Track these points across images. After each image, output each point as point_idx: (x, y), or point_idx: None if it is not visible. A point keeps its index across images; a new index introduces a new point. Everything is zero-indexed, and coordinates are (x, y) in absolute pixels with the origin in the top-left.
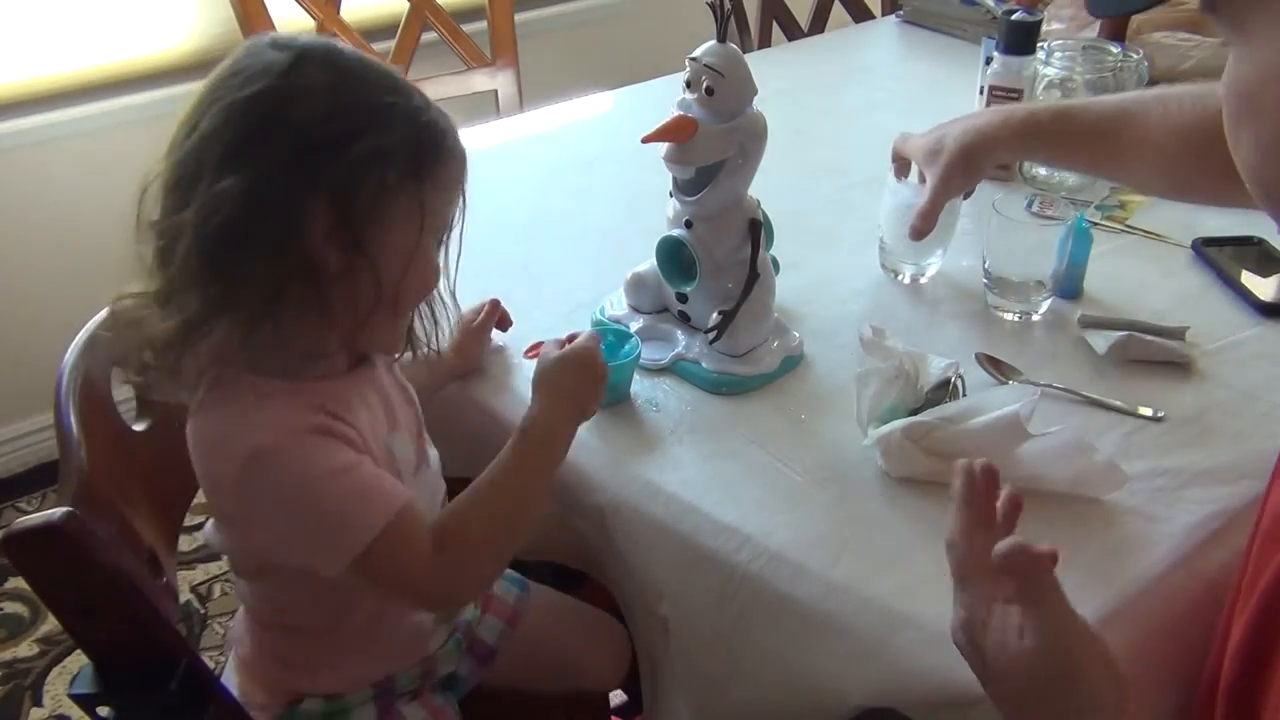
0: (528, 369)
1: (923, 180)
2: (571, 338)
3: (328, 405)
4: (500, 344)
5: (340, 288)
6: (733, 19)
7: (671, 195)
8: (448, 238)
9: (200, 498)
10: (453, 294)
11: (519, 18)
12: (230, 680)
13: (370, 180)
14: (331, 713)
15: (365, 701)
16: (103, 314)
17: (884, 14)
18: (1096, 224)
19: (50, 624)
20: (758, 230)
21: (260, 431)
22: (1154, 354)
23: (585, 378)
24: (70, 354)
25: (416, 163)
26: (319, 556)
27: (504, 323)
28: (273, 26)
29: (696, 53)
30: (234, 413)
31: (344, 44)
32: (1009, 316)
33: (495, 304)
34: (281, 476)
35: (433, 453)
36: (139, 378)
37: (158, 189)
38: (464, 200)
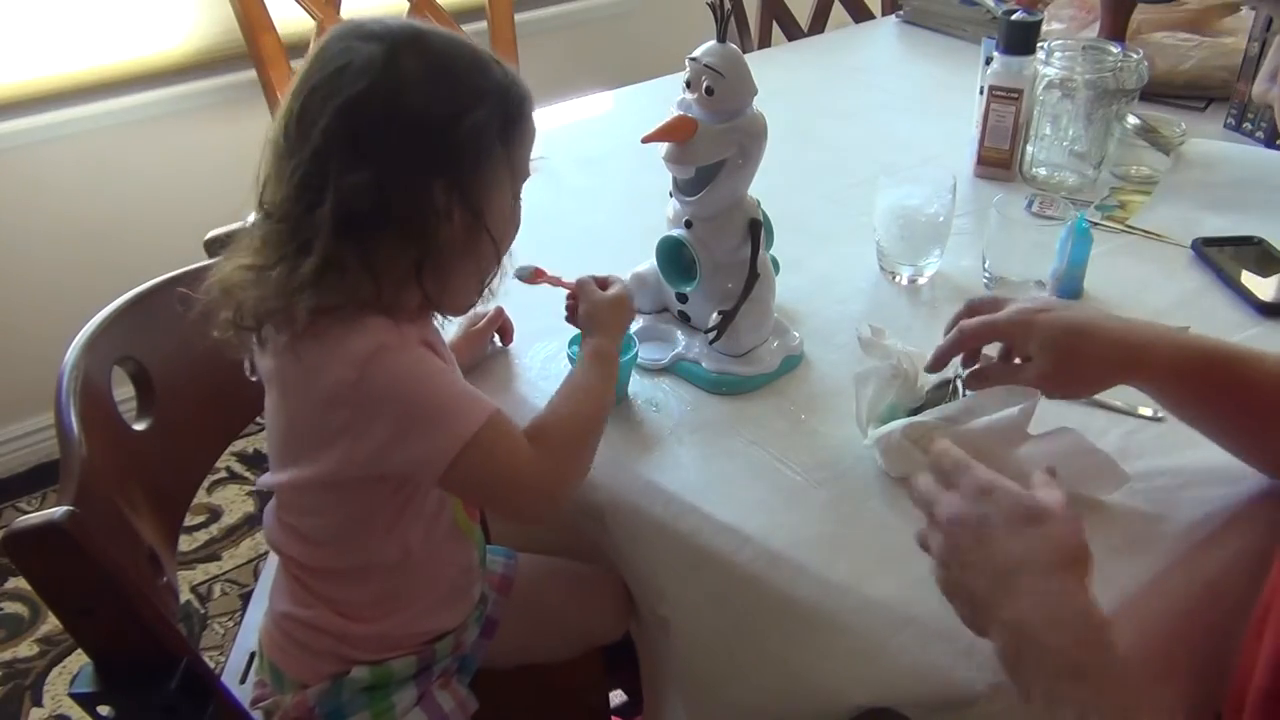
0: (527, 369)
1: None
2: (603, 282)
3: (425, 337)
4: (498, 345)
5: (464, 254)
6: (733, 19)
7: (671, 195)
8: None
9: (201, 497)
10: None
11: (519, 18)
12: (232, 681)
13: (479, 154)
14: (376, 685)
15: (409, 678)
16: (104, 313)
17: (884, 14)
18: (1096, 224)
19: (50, 624)
20: (758, 230)
21: (380, 334)
22: None
23: (623, 315)
24: (70, 354)
25: (506, 130)
26: (429, 447)
27: (506, 335)
28: (273, 26)
29: (696, 53)
30: (348, 330)
31: (425, 23)
32: None
33: (500, 312)
34: (400, 369)
35: None
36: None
37: (274, 178)
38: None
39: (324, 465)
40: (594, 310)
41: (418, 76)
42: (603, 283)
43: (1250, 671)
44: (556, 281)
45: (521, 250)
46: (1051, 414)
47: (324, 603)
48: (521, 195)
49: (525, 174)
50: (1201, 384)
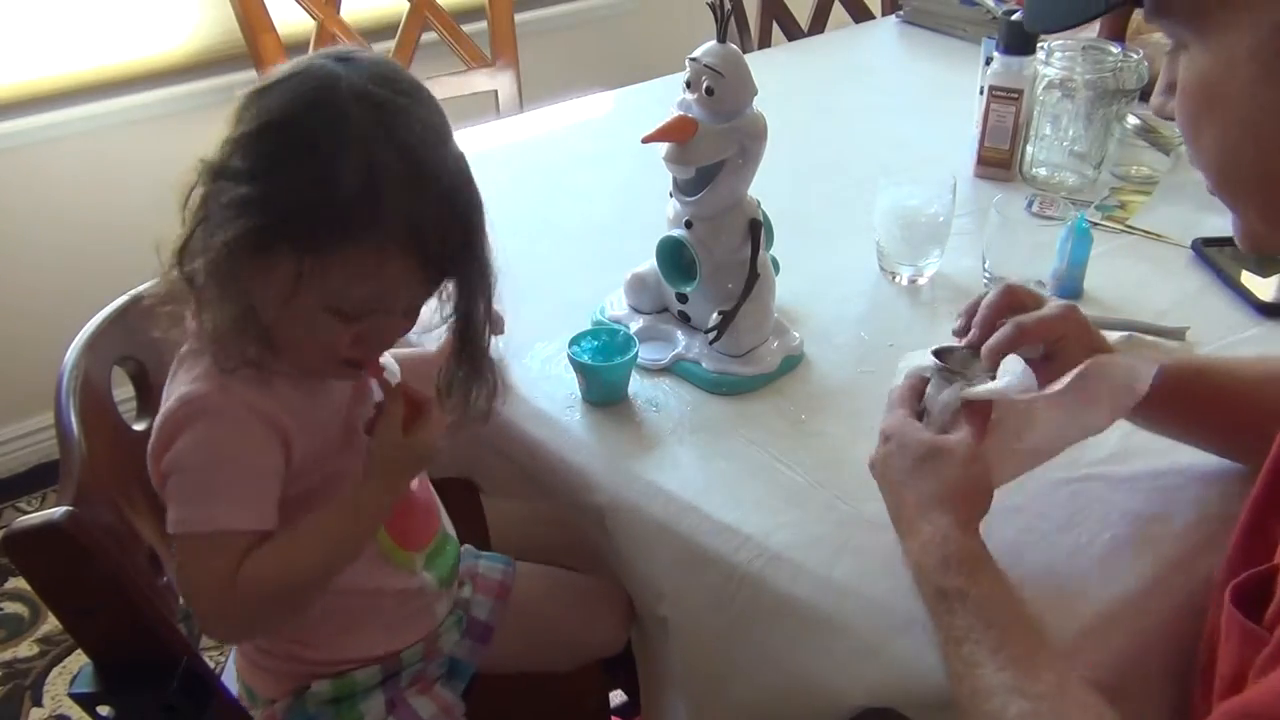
0: (527, 369)
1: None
2: (412, 397)
3: (258, 402)
4: (497, 347)
5: (283, 321)
6: (733, 19)
7: (671, 195)
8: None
9: None
10: None
11: (519, 18)
12: (231, 680)
13: (239, 222)
14: (340, 696)
15: (374, 687)
16: (104, 313)
17: (884, 14)
18: (1096, 224)
19: (50, 624)
20: (758, 230)
21: (201, 383)
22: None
23: (417, 467)
24: (70, 354)
25: (306, 240)
26: (170, 508)
27: (497, 327)
28: (273, 27)
29: (696, 53)
30: (180, 367)
31: (364, 90)
32: None
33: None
34: (191, 433)
35: None
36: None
37: None
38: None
39: None
40: (386, 448)
41: (263, 134)
42: (417, 405)
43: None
44: (378, 374)
45: (522, 250)
46: None
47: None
48: (357, 318)
49: (345, 304)
50: (1182, 400)
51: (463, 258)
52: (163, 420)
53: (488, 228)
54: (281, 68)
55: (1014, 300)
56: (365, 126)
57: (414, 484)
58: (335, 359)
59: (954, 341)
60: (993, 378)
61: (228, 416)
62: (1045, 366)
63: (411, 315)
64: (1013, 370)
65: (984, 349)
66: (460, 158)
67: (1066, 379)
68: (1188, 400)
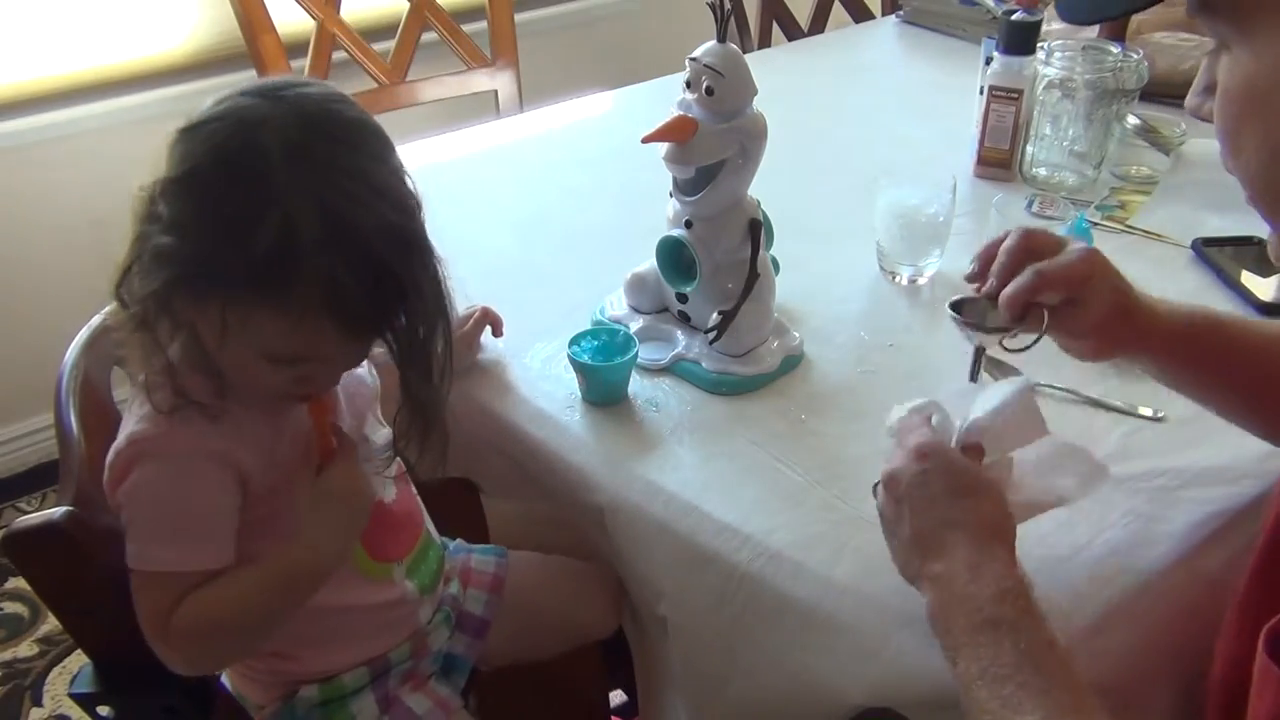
0: (527, 370)
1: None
2: (325, 440)
3: (213, 443)
4: (498, 349)
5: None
6: (733, 19)
7: (671, 195)
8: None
9: None
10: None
11: (519, 18)
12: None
13: (164, 272)
14: (329, 699)
15: (363, 687)
16: (104, 312)
17: (884, 14)
18: (1096, 224)
19: (50, 624)
20: (758, 230)
21: (145, 424)
22: None
23: (357, 523)
24: (70, 354)
25: (211, 283)
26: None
27: (496, 329)
28: (273, 27)
29: (696, 53)
30: (133, 400)
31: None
32: None
33: (485, 311)
34: (141, 473)
35: (383, 431)
36: None
37: None
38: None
39: None
40: (316, 494)
41: (211, 163)
42: (328, 448)
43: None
44: (320, 418)
45: (522, 250)
46: (1052, 414)
47: None
48: (293, 365)
49: (275, 354)
50: (1197, 353)
51: (392, 313)
52: (113, 457)
53: (438, 266)
54: (212, 103)
55: (1032, 244)
56: (284, 183)
57: (391, 495)
58: (283, 394)
59: (970, 292)
60: (1008, 332)
61: (174, 460)
62: (1070, 312)
63: (352, 361)
64: (1002, 392)
65: (1002, 298)
66: (400, 197)
67: (1044, 444)
68: (1202, 347)
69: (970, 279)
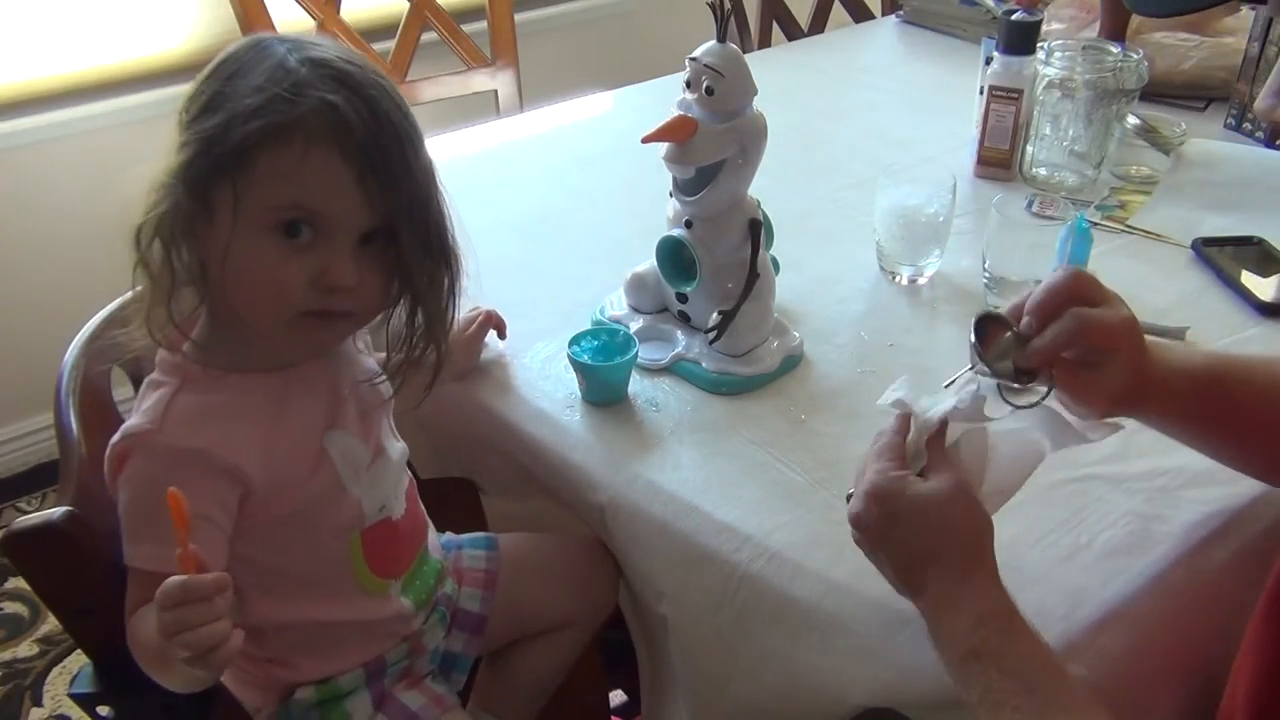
0: (527, 370)
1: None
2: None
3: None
4: (499, 348)
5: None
6: (733, 19)
7: (671, 195)
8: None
9: None
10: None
11: (519, 18)
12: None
13: (178, 184)
14: (325, 700)
15: (359, 687)
16: (104, 313)
17: (884, 14)
18: (1096, 224)
19: (50, 624)
20: (758, 230)
21: (143, 419)
22: None
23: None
24: (70, 354)
25: (218, 156)
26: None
27: (500, 332)
28: (273, 27)
29: (696, 53)
30: (145, 406)
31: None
32: None
33: (489, 315)
34: (131, 467)
35: (398, 445)
36: None
37: None
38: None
39: None
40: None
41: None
42: (199, 566)
43: (1243, 674)
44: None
45: (523, 250)
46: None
47: (251, 648)
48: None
49: (279, 210)
50: (1200, 409)
51: (395, 162)
52: (110, 448)
53: (450, 212)
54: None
55: (1080, 287)
56: (288, 54)
57: (400, 511)
58: (293, 308)
59: (997, 307)
60: (1015, 388)
61: (161, 458)
62: (1088, 377)
63: (357, 247)
64: (964, 394)
65: (1033, 344)
66: (399, 98)
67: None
68: (1205, 405)
69: (1012, 315)
